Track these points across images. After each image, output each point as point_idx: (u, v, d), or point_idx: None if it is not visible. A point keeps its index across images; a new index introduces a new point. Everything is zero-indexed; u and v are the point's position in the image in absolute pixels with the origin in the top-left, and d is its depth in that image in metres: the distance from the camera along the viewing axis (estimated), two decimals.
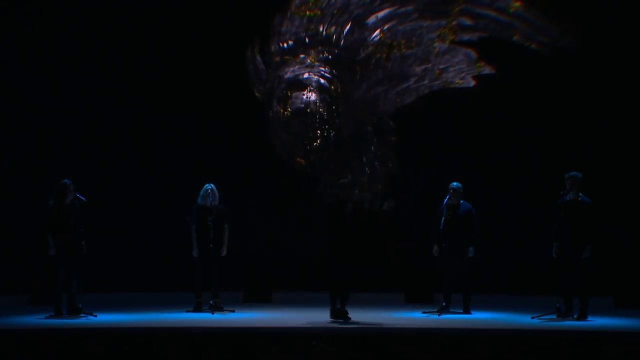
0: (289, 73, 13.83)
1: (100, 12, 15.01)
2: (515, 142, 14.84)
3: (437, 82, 13.72)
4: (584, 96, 14.64)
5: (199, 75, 15.10)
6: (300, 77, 13.10)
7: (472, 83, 13.72)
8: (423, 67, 13.33)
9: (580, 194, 12.48)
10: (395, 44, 13.28)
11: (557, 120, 14.73)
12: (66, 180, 12.79)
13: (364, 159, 14.17)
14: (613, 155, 14.54)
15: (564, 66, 14.63)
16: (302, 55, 13.36)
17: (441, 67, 13.53)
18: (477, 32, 13.19)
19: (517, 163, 14.78)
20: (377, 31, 13.28)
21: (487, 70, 13.44)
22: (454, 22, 13.04)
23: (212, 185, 13.39)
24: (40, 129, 14.96)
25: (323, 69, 13.30)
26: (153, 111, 15.14)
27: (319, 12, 12.84)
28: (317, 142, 13.33)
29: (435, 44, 13.40)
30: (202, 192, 13.38)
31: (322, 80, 13.14)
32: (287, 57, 13.67)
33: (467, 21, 13.29)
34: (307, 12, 13.05)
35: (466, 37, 13.38)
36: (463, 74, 13.45)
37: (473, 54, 13.64)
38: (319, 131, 13.22)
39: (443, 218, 13.06)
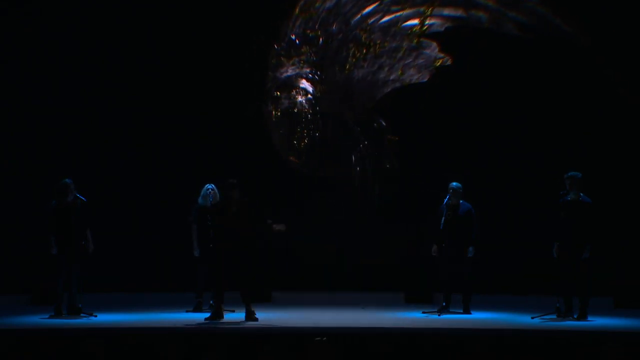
0: (283, 74, 13.91)
1: (100, 12, 15.03)
2: (515, 142, 14.85)
3: (398, 81, 13.79)
4: (584, 95, 14.66)
5: (199, 75, 15.12)
6: (290, 78, 13.21)
7: (427, 77, 13.75)
8: (391, 66, 13.41)
9: (581, 194, 12.48)
10: (372, 44, 13.39)
11: (558, 120, 14.74)
12: (67, 180, 12.79)
13: (353, 157, 14.22)
14: (613, 155, 14.55)
15: (564, 65, 14.66)
16: (295, 58, 13.46)
17: (404, 64, 13.62)
18: (455, 21, 13.25)
19: (518, 163, 14.80)
20: (358, 30, 13.38)
21: (447, 62, 13.45)
22: (431, 11, 13.12)
23: (213, 186, 13.39)
24: (40, 129, 14.97)
25: (308, 70, 13.38)
26: (153, 111, 15.17)
27: (314, 13, 12.92)
28: (304, 142, 13.41)
29: (404, 44, 13.49)
30: (202, 192, 13.39)
31: (306, 83, 13.23)
32: (282, 59, 13.74)
33: (445, 11, 13.35)
34: (307, 13, 13.13)
35: (440, 27, 13.43)
36: (421, 70, 13.51)
37: (436, 50, 13.65)
38: (305, 131, 13.31)
39: (443, 218, 13.05)
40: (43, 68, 14.96)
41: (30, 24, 14.91)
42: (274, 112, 13.78)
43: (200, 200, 13.41)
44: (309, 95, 13.00)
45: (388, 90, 14.03)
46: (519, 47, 14.78)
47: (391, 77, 13.74)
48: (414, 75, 13.62)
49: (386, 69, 13.69)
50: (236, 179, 12.18)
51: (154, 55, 15.08)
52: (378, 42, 13.33)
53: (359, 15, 13.46)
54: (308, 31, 13.01)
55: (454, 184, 13.19)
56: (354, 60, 13.35)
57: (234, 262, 12.12)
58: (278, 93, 13.59)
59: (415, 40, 13.22)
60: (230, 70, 14.98)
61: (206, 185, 13.41)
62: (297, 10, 13.48)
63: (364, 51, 13.29)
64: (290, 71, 13.45)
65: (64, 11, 14.95)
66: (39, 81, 14.96)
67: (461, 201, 13.21)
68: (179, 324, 11.87)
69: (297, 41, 13.00)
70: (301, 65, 13.04)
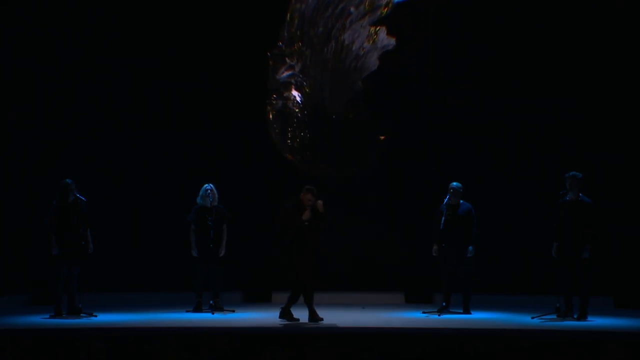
0: (279, 76, 13.99)
1: (101, 11, 15.03)
2: (515, 141, 14.86)
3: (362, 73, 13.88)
4: (585, 96, 14.66)
5: (199, 75, 15.11)
6: (285, 81, 13.31)
7: (377, 64, 13.77)
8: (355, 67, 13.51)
9: (581, 194, 12.48)
10: (346, 45, 13.48)
11: (558, 120, 14.73)
12: (68, 180, 12.80)
13: (348, 157, 14.27)
14: (613, 155, 14.54)
15: (566, 63, 14.67)
16: (288, 62, 13.53)
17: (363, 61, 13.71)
18: None
19: (518, 163, 14.79)
20: (338, 30, 13.46)
21: (390, 44, 13.44)
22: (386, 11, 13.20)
23: (212, 185, 13.41)
24: (40, 129, 14.96)
25: (297, 72, 13.44)
26: (153, 111, 15.17)
27: (297, 17, 12.97)
28: (297, 141, 13.47)
29: (365, 44, 13.57)
30: (201, 192, 13.40)
31: (294, 90, 13.31)
32: (278, 62, 13.81)
33: None
34: (295, 17, 13.21)
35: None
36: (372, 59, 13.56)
37: (384, 34, 13.64)
38: (296, 132, 13.39)
39: (443, 218, 13.06)
40: (44, 68, 14.94)
41: (32, 23, 14.88)
42: (270, 113, 13.85)
43: (199, 200, 13.43)
44: (297, 99, 13.06)
45: (355, 86, 14.08)
46: (517, 40, 14.80)
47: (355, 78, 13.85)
48: (371, 67, 13.69)
49: (352, 68, 13.76)
50: (311, 185, 12.21)
51: (153, 56, 15.07)
52: (347, 43, 13.43)
53: (333, 13, 13.48)
54: (296, 33, 13.06)
55: (454, 184, 13.20)
56: (333, 60, 13.41)
57: (306, 265, 12.12)
58: (274, 95, 13.65)
59: (372, 41, 13.25)
60: (231, 71, 14.98)
61: (205, 186, 13.42)
62: (288, 15, 13.55)
63: (341, 51, 13.35)
64: (285, 74, 13.53)
65: (64, 11, 14.94)
66: (40, 81, 14.94)
67: (461, 201, 13.21)
68: (179, 324, 11.89)
69: (284, 46, 13.05)
70: (292, 67, 13.10)
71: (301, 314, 12.19)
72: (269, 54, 13.10)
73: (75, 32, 15.00)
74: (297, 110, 13.19)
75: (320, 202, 12.08)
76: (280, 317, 12.20)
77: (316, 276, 12.20)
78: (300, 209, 12.12)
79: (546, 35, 14.74)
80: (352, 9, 13.26)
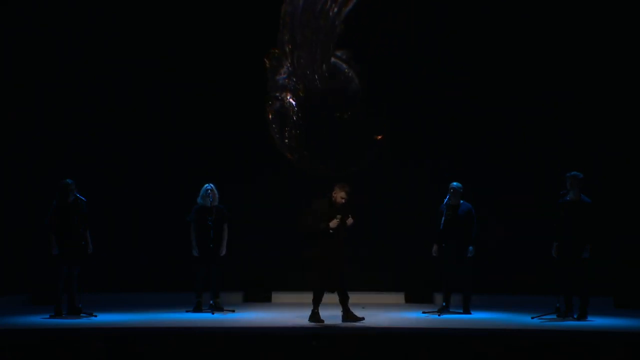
0: (278, 77, 14.02)
1: (101, 11, 15.03)
2: (515, 141, 14.86)
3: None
4: (586, 96, 14.66)
5: (199, 75, 15.11)
6: (281, 81, 13.35)
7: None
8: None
9: (581, 194, 12.48)
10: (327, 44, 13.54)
11: (558, 120, 14.74)
12: (68, 180, 12.81)
13: (345, 156, 14.27)
14: (614, 155, 14.55)
15: (567, 61, 14.67)
16: (285, 66, 13.56)
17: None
18: None
19: (518, 163, 14.79)
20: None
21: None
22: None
23: (212, 185, 13.41)
24: (40, 128, 14.96)
25: (290, 73, 13.49)
26: (153, 111, 15.17)
27: (288, 19, 13.00)
28: (295, 140, 13.51)
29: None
30: (201, 192, 13.41)
31: (289, 95, 13.35)
32: (274, 63, 13.83)
33: None
34: (286, 20, 13.24)
35: None
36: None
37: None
38: (293, 131, 13.42)
39: (443, 218, 13.07)
40: (44, 68, 14.94)
41: (32, 23, 14.88)
42: (270, 113, 13.89)
43: (199, 200, 13.43)
44: (292, 102, 13.10)
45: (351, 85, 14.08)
46: (517, 39, 14.81)
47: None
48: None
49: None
50: (345, 182, 12.20)
51: (153, 56, 15.07)
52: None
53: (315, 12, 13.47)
54: (287, 35, 13.08)
55: (454, 183, 13.20)
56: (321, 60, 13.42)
57: (338, 265, 12.14)
58: (271, 99, 13.70)
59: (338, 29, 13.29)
60: (232, 70, 14.98)
61: (205, 185, 13.43)
62: (281, 19, 13.59)
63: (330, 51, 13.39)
64: (281, 76, 13.56)
65: (65, 11, 14.94)
66: (40, 81, 14.94)
67: (461, 201, 13.22)
68: (179, 324, 11.89)
69: (278, 48, 13.10)
70: (287, 70, 13.13)
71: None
72: (265, 59, 13.14)
73: (75, 32, 15.00)
74: (292, 113, 13.21)
75: (351, 220, 12.12)
76: (343, 320, 12.19)
77: (337, 282, 12.20)
78: (334, 208, 12.11)
79: (546, 34, 14.75)
80: (328, 5, 13.24)
